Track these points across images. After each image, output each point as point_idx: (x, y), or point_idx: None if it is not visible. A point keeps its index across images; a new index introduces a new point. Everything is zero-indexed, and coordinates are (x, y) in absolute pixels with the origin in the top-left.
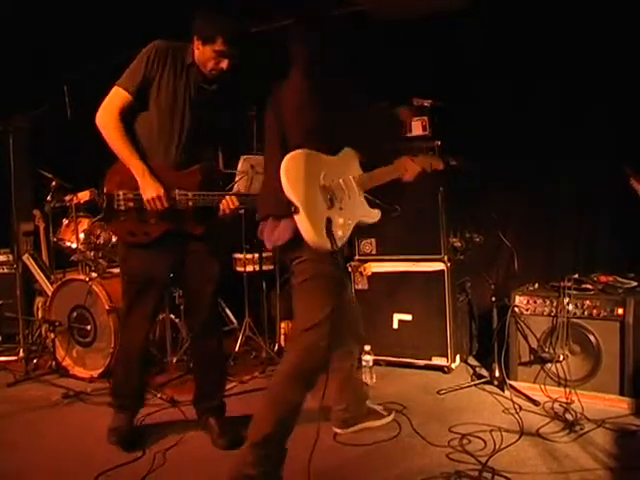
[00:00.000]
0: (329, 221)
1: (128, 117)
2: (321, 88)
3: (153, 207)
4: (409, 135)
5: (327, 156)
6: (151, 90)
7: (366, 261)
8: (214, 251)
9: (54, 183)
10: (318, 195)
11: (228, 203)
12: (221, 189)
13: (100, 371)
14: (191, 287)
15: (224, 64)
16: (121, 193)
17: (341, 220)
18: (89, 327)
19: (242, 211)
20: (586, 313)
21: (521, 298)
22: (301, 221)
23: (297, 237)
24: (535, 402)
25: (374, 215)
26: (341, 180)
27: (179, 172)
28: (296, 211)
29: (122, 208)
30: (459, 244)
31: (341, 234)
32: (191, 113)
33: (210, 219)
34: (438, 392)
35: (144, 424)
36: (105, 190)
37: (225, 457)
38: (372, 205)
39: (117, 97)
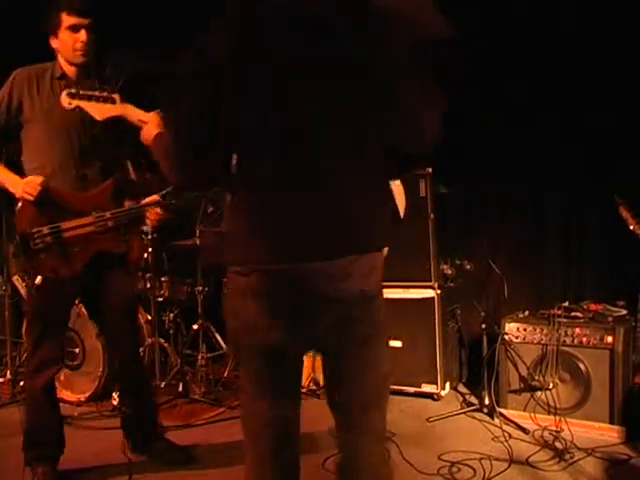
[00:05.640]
0: None
1: (20, 152)
2: None
3: (31, 193)
4: None
5: None
6: (24, 117)
7: None
8: (128, 272)
9: None
10: None
11: (153, 215)
12: (140, 199)
13: (87, 395)
14: (108, 310)
15: (82, 36)
16: (35, 231)
17: None
18: (77, 350)
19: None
20: (576, 341)
21: (511, 326)
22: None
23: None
24: (525, 430)
25: None
26: None
27: (89, 194)
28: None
29: (40, 246)
30: (449, 271)
31: None
32: (77, 127)
33: (131, 235)
34: (427, 419)
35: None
36: (18, 231)
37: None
38: None
39: None
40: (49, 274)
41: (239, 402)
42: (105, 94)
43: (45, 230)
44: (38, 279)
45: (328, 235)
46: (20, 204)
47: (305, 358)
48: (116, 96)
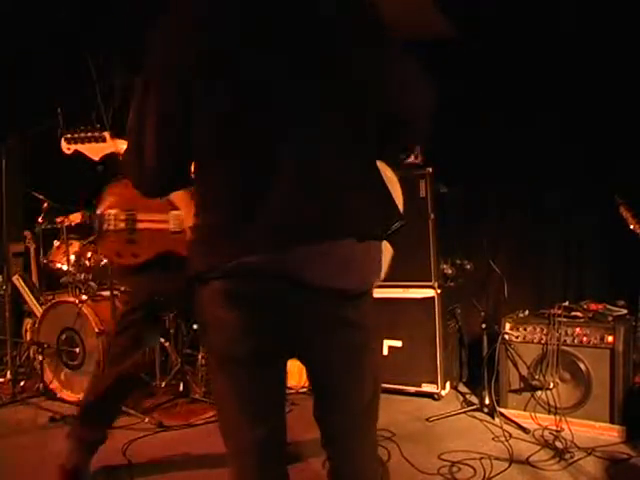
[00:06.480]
0: None
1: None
2: None
3: None
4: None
5: None
6: None
7: None
8: None
9: (45, 204)
10: None
11: None
12: None
13: None
14: None
15: None
16: (112, 212)
17: None
18: (78, 350)
19: None
20: (576, 341)
21: (511, 325)
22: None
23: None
24: (525, 430)
25: None
26: None
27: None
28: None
29: (112, 228)
30: (450, 271)
31: None
32: None
33: None
34: (428, 419)
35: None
36: (98, 211)
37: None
38: None
39: None
40: (112, 257)
41: (217, 417)
42: (96, 134)
43: (122, 215)
44: (104, 261)
45: (305, 220)
46: (108, 189)
47: None
48: (106, 134)
